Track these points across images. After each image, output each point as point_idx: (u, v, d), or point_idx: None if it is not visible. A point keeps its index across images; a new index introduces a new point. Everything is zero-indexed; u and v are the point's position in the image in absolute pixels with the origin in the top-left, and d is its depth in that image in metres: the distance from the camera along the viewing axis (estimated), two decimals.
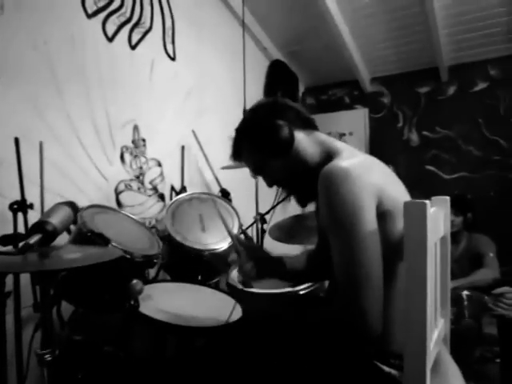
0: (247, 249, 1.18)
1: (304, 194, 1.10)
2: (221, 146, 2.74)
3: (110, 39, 2.05)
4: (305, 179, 1.04)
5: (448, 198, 1.14)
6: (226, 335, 1.12)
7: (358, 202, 0.85)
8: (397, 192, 0.96)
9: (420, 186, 3.24)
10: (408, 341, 0.80)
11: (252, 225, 2.21)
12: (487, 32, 2.81)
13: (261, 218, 2.23)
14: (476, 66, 3.06)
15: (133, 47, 2.17)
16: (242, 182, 2.46)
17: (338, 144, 1.05)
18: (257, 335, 1.09)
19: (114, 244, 1.33)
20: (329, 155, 1.01)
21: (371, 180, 0.89)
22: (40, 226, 0.89)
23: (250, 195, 2.34)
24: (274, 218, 2.20)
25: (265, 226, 2.28)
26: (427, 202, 0.78)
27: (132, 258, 1.39)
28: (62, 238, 1.38)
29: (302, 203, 1.11)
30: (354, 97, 3.59)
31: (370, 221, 0.86)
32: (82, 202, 1.81)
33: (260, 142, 1.04)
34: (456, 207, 2.44)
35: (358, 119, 3.48)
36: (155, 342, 1.15)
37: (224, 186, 2.27)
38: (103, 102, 1.99)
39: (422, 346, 0.80)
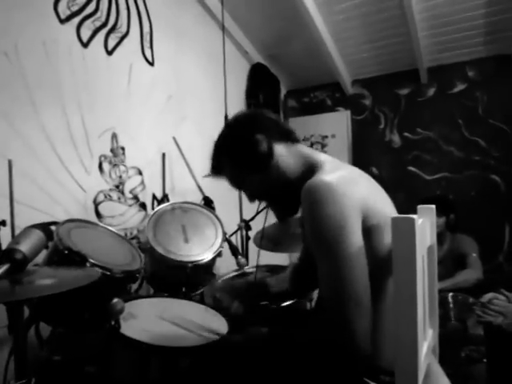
0: (228, 291, 1.15)
1: (284, 209, 1.07)
2: (203, 153, 2.68)
3: (85, 45, 1.98)
4: (286, 193, 1.01)
5: (433, 206, 1.13)
6: (211, 354, 1.08)
7: (344, 219, 0.83)
8: (382, 204, 0.94)
9: (402, 188, 3.28)
10: (399, 357, 0.78)
11: (236, 232, 2.18)
12: (465, 34, 2.84)
13: (245, 225, 2.20)
14: (454, 67, 3.09)
15: (109, 52, 2.10)
16: (225, 188, 2.41)
17: (321, 156, 1.03)
18: (244, 352, 1.06)
19: (92, 261, 1.27)
20: (311, 168, 0.99)
21: (356, 194, 0.87)
22: (8, 255, 0.83)
23: (234, 202, 2.30)
24: (262, 224, 2.17)
25: (250, 233, 2.25)
26: (415, 216, 0.76)
27: (112, 274, 1.34)
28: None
29: (282, 218, 1.09)
30: (336, 99, 3.59)
31: (355, 239, 0.83)
32: (59, 215, 1.76)
33: (238, 157, 1.01)
34: (438, 208, 2.45)
35: (340, 121, 3.48)
36: (138, 364, 1.10)
37: (207, 194, 2.23)
38: (79, 110, 1.93)
39: (413, 362, 0.78)
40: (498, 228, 2.95)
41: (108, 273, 1.32)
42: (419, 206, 1.12)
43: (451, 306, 2.05)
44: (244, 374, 0.99)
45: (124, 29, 2.19)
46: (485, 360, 1.73)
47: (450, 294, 2.09)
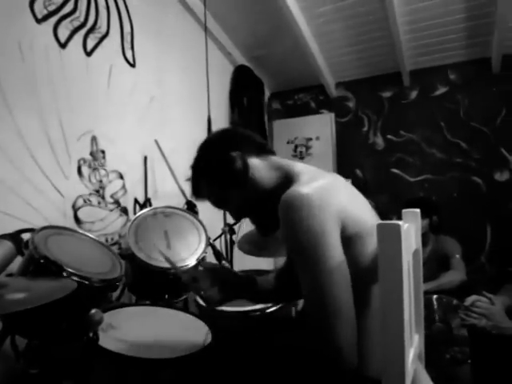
0: (211, 272, 1.12)
1: (267, 223, 1.06)
2: (186, 156, 2.64)
3: (63, 45, 1.92)
4: (266, 206, 1.00)
5: (418, 210, 1.12)
6: (194, 365, 1.05)
7: (322, 232, 0.81)
8: (362, 212, 0.93)
9: (386, 190, 3.30)
10: (386, 365, 0.77)
11: (220, 236, 2.14)
12: (447, 38, 2.88)
13: (229, 229, 2.17)
14: (436, 70, 3.13)
15: (88, 53, 2.05)
16: None
17: (297, 167, 1.02)
18: (227, 362, 1.03)
19: (69, 270, 1.22)
20: (287, 179, 0.97)
21: (333, 204, 0.85)
22: None
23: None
24: (247, 228, 2.15)
25: (234, 237, 2.22)
26: (401, 222, 0.75)
27: (90, 284, 1.29)
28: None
29: (265, 233, 1.08)
30: (320, 101, 3.59)
31: (335, 252, 0.82)
32: (36, 222, 1.70)
33: (215, 176, 1.02)
34: (421, 210, 2.47)
35: (324, 124, 3.48)
36: (117, 377, 1.06)
37: (190, 198, 2.18)
38: (57, 113, 1.87)
39: (400, 370, 0.76)
40: (480, 229, 3.00)
41: (86, 282, 1.28)
42: (404, 211, 1.11)
43: (435, 307, 2.05)
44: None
45: (104, 29, 2.14)
46: (469, 361, 1.74)
47: (435, 296, 2.09)
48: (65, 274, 1.19)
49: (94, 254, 1.48)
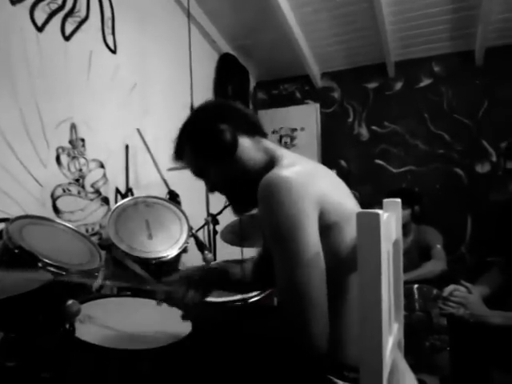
0: (184, 279, 1.12)
1: (242, 203, 1.05)
2: (168, 145, 2.61)
3: (40, 29, 1.86)
4: (246, 187, 0.99)
5: (399, 200, 1.12)
6: (173, 356, 1.04)
7: (300, 218, 0.80)
8: (342, 200, 0.92)
9: (370, 180, 3.32)
10: (363, 353, 0.77)
11: (203, 227, 2.13)
12: (432, 29, 2.88)
13: (213, 219, 2.15)
14: (421, 62, 3.13)
15: (67, 38, 1.98)
16: (191, 182, 2.34)
17: (280, 151, 1.00)
18: (207, 353, 1.03)
19: (45, 261, 1.19)
20: (270, 163, 0.96)
21: (313, 190, 0.84)
22: None
23: (200, 196, 2.24)
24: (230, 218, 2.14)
25: (217, 228, 2.21)
26: (380, 211, 0.74)
27: (68, 274, 1.26)
28: None
29: (239, 211, 1.07)
30: (305, 92, 3.57)
31: (312, 238, 0.81)
32: (13, 211, 1.65)
33: (201, 145, 0.98)
34: (403, 200, 2.49)
35: (309, 114, 3.47)
36: (95, 368, 1.04)
37: (172, 188, 2.16)
38: (33, 99, 1.81)
39: (378, 358, 0.76)
40: (461, 220, 3.04)
41: (63, 273, 1.25)
42: (385, 200, 1.11)
43: (416, 297, 2.09)
44: (206, 375, 0.96)
45: (83, 13, 2.07)
46: (448, 348, 1.77)
47: (415, 286, 2.13)
48: (40, 264, 1.16)
49: (72, 245, 1.45)
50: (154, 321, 1.23)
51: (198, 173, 1.05)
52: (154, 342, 1.06)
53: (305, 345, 0.81)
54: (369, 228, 0.74)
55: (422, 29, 2.86)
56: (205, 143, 0.97)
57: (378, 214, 0.73)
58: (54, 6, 1.91)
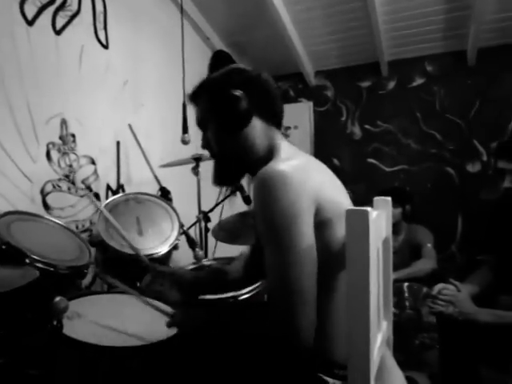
0: (168, 275, 1.12)
1: (226, 176, 1.04)
2: (160, 142, 2.60)
3: (30, 22, 1.83)
4: (237, 164, 0.99)
5: (389, 198, 1.13)
6: (162, 353, 1.03)
7: (296, 212, 0.80)
8: (337, 196, 0.92)
9: (362, 179, 3.33)
10: (351, 351, 0.77)
11: (194, 224, 2.12)
12: (425, 29, 2.89)
13: (204, 217, 2.14)
14: (414, 61, 3.15)
15: (58, 32, 1.96)
16: (183, 179, 2.35)
17: (280, 142, 1.00)
18: (197, 350, 1.02)
19: (33, 257, 1.18)
20: (269, 154, 0.96)
21: (310, 185, 0.84)
22: None
23: (192, 193, 2.23)
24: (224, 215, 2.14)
25: (209, 225, 2.20)
26: (369, 209, 0.75)
27: (56, 271, 1.25)
28: None
29: (218, 183, 1.06)
30: (299, 90, 3.57)
31: (307, 233, 0.81)
32: (2, 207, 1.62)
33: (216, 104, 0.97)
34: (395, 199, 2.51)
35: (302, 112, 3.47)
36: (83, 366, 1.03)
37: (164, 184, 2.15)
38: (23, 94, 1.78)
39: (365, 356, 0.77)
40: (452, 219, 3.07)
41: (51, 269, 1.24)
42: (375, 198, 1.11)
43: (406, 295, 2.10)
44: (196, 371, 0.96)
45: (74, 7, 2.05)
46: (437, 346, 1.79)
47: (406, 284, 2.14)
48: (28, 260, 1.15)
49: (61, 241, 1.44)
50: (144, 318, 1.22)
51: (201, 125, 1.05)
52: (144, 338, 1.06)
53: (291, 337, 0.81)
54: (358, 225, 0.74)
55: (415, 28, 2.87)
56: (220, 104, 0.96)
57: (367, 212, 0.73)
58: (44, 0, 1.88)
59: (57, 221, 1.52)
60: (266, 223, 0.82)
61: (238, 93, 0.94)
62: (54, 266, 1.24)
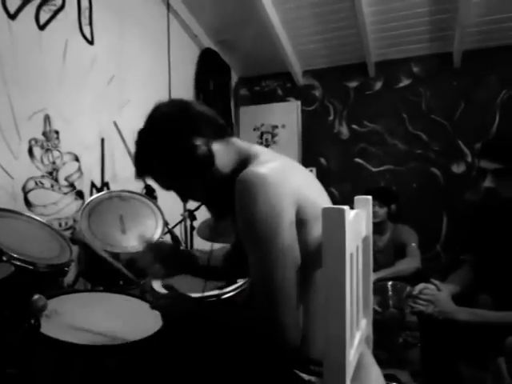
0: (151, 249, 1.11)
1: (222, 208, 1.02)
2: None
3: (13, 16, 1.80)
4: (223, 192, 0.95)
5: (370, 197, 1.14)
6: (140, 352, 1.02)
7: (276, 214, 0.80)
8: (316, 196, 0.93)
9: (349, 179, 3.35)
10: (327, 348, 0.78)
11: (180, 223, 2.11)
12: (411, 31, 2.91)
13: (190, 215, 2.13)
14: (401, 62, 3.17)
15: (41, 27, 1.93)
16: None
17: (255, 148, 0.99)
18: (175, 349, 1.02)
19: (12, 255, 1.16)
20: (245, 162, 0.94)
21: (290, 186, 0.84)
22: None
23: None
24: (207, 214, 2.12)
25: (195, 223, 2.19)
26: (345, 207, 0.75)
27: (35, 269, 1.23)
28: None
29: (219, 217, 1.05)
30: (287, 89, 3.57)
31: (288, 234, 0.82)
32: None
33: (174, 164, 0.91)
34: (380, 199, 2.53)
35: (290, 112, 3.47)
36: (60, 365, 1.02)
37: (150, 182, 2.13)
38: (5, 89, 1.76)
39: (341, 354, 0.77)
40: (437, 219, 3.10)
41: (31, 267, 1.22)
42: (356, 197, 1.12)
43: (390, 293, 2.12)
44: (174, 371, 0.95)
45: (59, 2, 2.02)
46: (419, 344, 1.81)
47: (390, 283, 2.16)
48: (5, 258, 1.13)
49: (41, 238, 1.42)
50: (124, 316, 1.21)
51: (167, 187, 1.00)
52: (122, 337, 1.05)
53: (279, 339, 0.81)
54: (334, 224, 0.74)
55: (402, 30, 2.90)
56: (179, 162, 0.91)
57: (343, 210, 0.74)
58: None
59: (37, 218, 1.50)
60: (247, 224, 0.83)
61: (190, 141, 0.90)
62: (33, 264, 1.23)
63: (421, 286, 1.47)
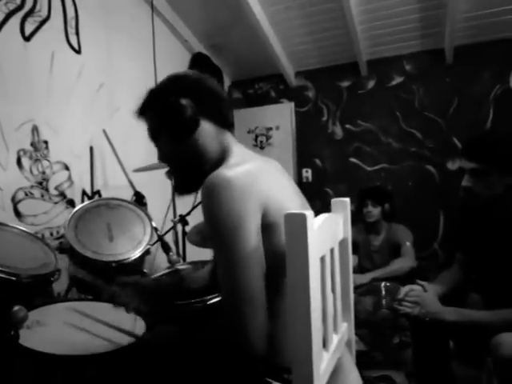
0: (130, 286, 1.12)
1: (186, 184, 1.04)
2: (136, 147, 2.58)
3: None
4: (193, 170, 0.99)
5: (348, 199, 1.13)
6: (121, 360, 1.02)
7: (240, 218, 0.80)
8: (286, 201, 0.91)
9: (345, 179, 3.34)
10: (294, 356, 0.77)
11: (171, 229, 2.11)
12: (401, 28, 2.90)
13: (181, 220, 2.13)
14: (392, 60, 3.15)
15: (27, 38, 1.95)
16: (158, 184, 2.33)
17: (235, 148, 1.00)
18: (152, 358, 1.02)
19: None
20: (221, 159, 0.96)
21: (257, 190, 0.84)
22: None
23: (167, 198, 2.22)
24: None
25: (187, 228, 2.19)
26: (307, 213, 0.74)
27: (18, 280, 1.24)
28: None
29: (180, 192, 1.06)
30: (280, 91, 3.57)
31: (252, 239, 0.81)
32: None
33: (161, 115, 0.97)
34: (373, 198, 2.52)
35: (284, 113, 3.47)
36: (38, 375, 1.02)
37: (141, 189, 2.14)
38: None
39: (307, 361, 0.75)
40: (434, 217, 3.08)
41: (13, 278, 1.23)
42: (333, 200, 1.11)
43: (383, 294, 2.11)
44: (150, 380, 0.95)
45: (44, 13, 2.03)
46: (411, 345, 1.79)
47: (383, 283, 2.15)
48: None
49: (27, 248, 1.43)
50: (103, 327, 1.21)
51: (153, 137, 1.04)
52: (101, 347, 1.05)
53: (242, 343, 0.81)
54: (296, 230, 0.73)
55: (392, 27, 2.88)
56: (166, 113, 0.96)
57: (304, 216, 0.73)
58: (11, 6, 1.87)
59: (22, 228, 1.51)
60: (212, 229, 0.83)
61: (182, 100, 0.94)
62: (15, 275, 1.23)
63: (406, 288, 1.46)
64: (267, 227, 0.84)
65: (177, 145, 0.99)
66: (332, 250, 0.97)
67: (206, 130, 0.98)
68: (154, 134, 1.03)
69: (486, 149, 1.34)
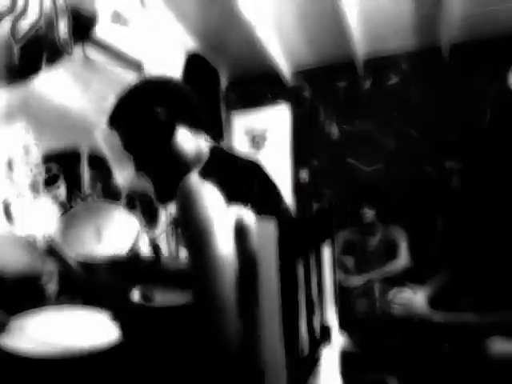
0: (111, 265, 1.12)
1: (166, 192, 1.03)
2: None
3: None
4: (172, 177, 0.97)
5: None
6: (99, 364, 1.02)
7: (213, 222, 0.80)
8: (262, 204, 0.91)
9: (342, 179, 3.32)
10: (266, 360, 0.77)
11: (163, 232, 2.11)
12: (397, 27, 2.88)
13: (174, 222, 2.13)
14: (389, 60, 3.14)
15: None
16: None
17: (210, 151, 1.00)
18: (132, 361, 1.02)
19: None
20: (198, 161, 0.97)
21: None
22: None
23: None
24: None
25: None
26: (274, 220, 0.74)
27: (3, 284, 1.24)
28: None
29: (161, 200, 1.08)
30: (277, 92, 3.56)
31: (225, 242, 0.81)
32: None
33: (136, 125, 0.95)
34: (368, 200, 2.51)
35: (280, 114, 3.46)
36: (18, 380, 1.02)
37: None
38: None
39: (279, 364, 0.76)
40: (430, 217, 3.05)
41: None
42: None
43: (377, 295, 2.10)
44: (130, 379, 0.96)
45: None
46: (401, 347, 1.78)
47: (376, 285, 2.14)
48: None
49: (11, 253, 1.43)
50: (87, 330, 1.20)
51: (129, 149, 1.01)
52: (81, 350, 1.04)
53: (215, 345, 0.81)
54: (264, 237, 0.73)
55: (387, 27, 2.86)
56: (140, 124, 0.95)
57: (271, 224, 0.73)
58: None
59: (11, 232, 1.51)
60: (185, 233, 0.84)
61: (156, 107, 0.93)
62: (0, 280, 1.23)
63: (395, 290, 1.46)
64: (241, 232, 0.84)
65: (153, 154, 0.98)
66: (313, 253, 0.97)
67: (183, 136, 0.97)
68: (130, 145, 1.00)
69: (477, 149, 1.33)
